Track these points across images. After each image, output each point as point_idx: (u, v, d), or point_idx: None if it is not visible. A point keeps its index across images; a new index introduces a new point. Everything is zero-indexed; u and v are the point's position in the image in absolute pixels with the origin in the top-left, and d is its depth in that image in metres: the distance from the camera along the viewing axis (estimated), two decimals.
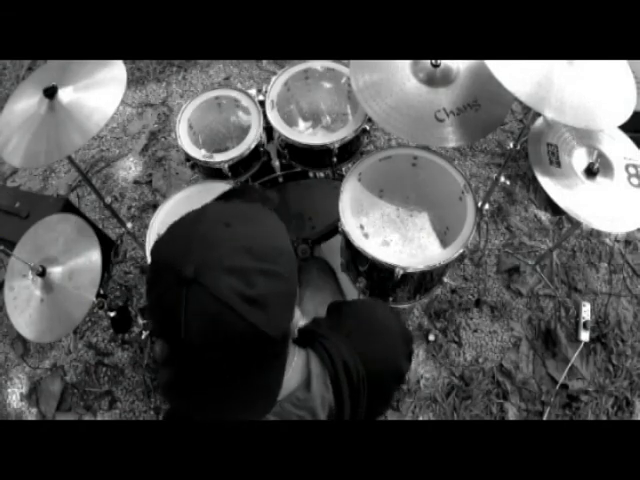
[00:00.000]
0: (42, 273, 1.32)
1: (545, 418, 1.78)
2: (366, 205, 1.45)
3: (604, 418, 1.79)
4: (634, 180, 1.33)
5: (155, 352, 1.74)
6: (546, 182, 1.29)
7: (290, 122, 1.52)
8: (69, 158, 1.32)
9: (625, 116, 1.11)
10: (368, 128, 1.46)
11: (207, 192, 1.45)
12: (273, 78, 1.55)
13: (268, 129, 1.53)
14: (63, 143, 1.19)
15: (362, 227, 1.41)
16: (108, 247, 2.05)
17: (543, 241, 2.13)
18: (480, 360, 1.90)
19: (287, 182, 1.77)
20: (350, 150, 1.53)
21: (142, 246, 1.45)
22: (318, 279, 1.44)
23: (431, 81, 1.23)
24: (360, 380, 0.70)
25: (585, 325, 1.88)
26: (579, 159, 1.34)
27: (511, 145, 1.38)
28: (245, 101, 1.55)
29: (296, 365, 0.71)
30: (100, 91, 1.23)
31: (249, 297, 0.54)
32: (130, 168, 2.49)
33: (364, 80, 1.23)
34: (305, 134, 1.61)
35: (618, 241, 2.13)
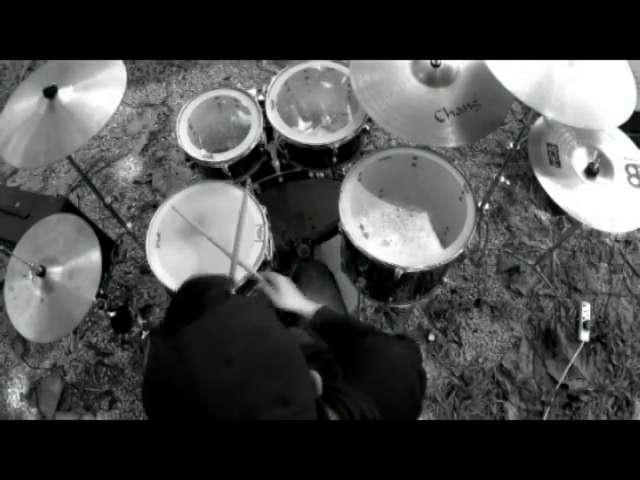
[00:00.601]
0: (42, 273, 1.32)
1: (545, 418, 1.78)
2: (366, 205, 1.45)
3: (604, 418, 1.79)
4: (634, 180, 1.33)
5: None
6: (546, 182, 1.30)
7: (290, 122, 1.52)
8: (69, 158, 1.32)
9: (625, 116, 1.11)
10: (368, 128, 1.46)
11: (207, 192, 1.45)
12: (273, 78, 1.55)
13: (268, 129, 1.53)
14: (63, 143, 1.19)
15: (362, 227, 1.41)
16: (108, 247, 2.05)
17: (543, 241, 2.13)
18: (480, 360, 1.90)
19: (287, 182, 1.77)
20: (350, 150, 1.53)
21: (142, 246, 1.45)
22: (317, 282, 1.44)
23: (431, 81, 1.23)
24: None
25: (585, 325, 1.88)
26: (579, 159, 1.34)
27: (511, 145, 1.39)
28: (245, 101, 1.55)
29: None
30: (100, 91, 1.23)
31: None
32: (130, 168, 2.49)
33: (364, 80, 1.23)
34: (305, 134, 1.62)
35: (618, 241, 2.13)
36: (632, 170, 1.34)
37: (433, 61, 1.23)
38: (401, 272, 1.23)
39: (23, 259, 1.33)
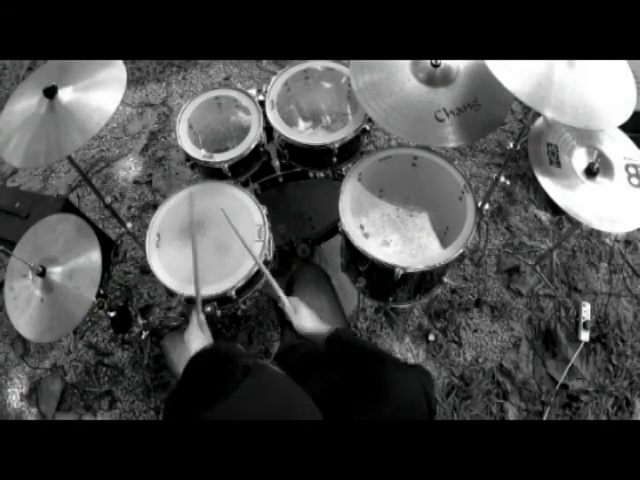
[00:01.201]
0: (42, 273, 1.32)
1: (545, 418, 1.78)
2: (366, 205, 1.45)
3: (604, 418, 1.79)
4: (634, 180, 1.33)
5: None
6: (546, 182, 1.29)
7: (290, 122, 1.52)
8: (69, 158, 1.32)
9: (625, 116, 1.11)
10: (368, 128, 1.46)
11: (207, 192, 1.45)
12: (273, 78, 1.55)
13: (268, 129, 1.53)
14: (63, 143, 1.19)
15: (362, 227, 1.41)
16: (108, 247, 2.05)
17: (543, 241, 2.13)
18: (480, 360, 1.90)
19: (287, 182, 1.77)
20: (350, 150, 1.53)
21: (142, 246, 1.45)
22: (314, 286, 1.44)
23: (431, 81, 1.23)
24: None
25: (585, 325, 1.88)
26: (579, 159, 1.34)
27: (511, 145, 1.38)
28: (245, 101, 1.55)
29: None
30: (100, 91, 1.23)
31: None
32: (130, 168, 2.49)
33: (364, 80, 1.23)
34: (305, 134, 1.61)
35: (618, 241, 2.13)
36: (632, 170, 1.34)
37: (433, 61, 1.23)
38: (401, 272, 1.23)
39: (23, 259, 1.33)
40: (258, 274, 1.35)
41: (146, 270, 2.11)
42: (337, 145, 1.42)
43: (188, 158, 1.50)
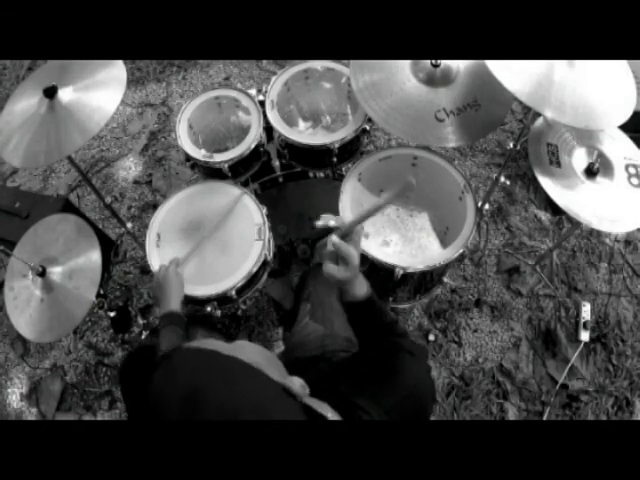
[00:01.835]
0: (42, 273, 1.32)
1: (545, 418, 1.78)
2: (366, 205, 1.44)
3: (604, 418, 1.79)
4: (634, 180, 1.33)
5: None
6: (546, 182, 1.30)
7: (290, 122, 1.52)
8: (69, 158, 1.32)
9: (625, 116, 1.11)
10: (368, 128, 1.46)
11: (207, 192, 1.45)
12: (273, 78, 1.55)
13: (268, 129, 1.53)
14: (63, 143, 1.19)
15: (362, 227, 1.41)
16: (108, 247, 2.05)
17: (543, 241, 2.13)
18: (480, 360, 1.90)
19: (287, 182, 1.77)
20: (350, 150, 1.53)
21: (142, 246, 1.45)
22: (326, 284, 1.44)
23: (431, 81, 1.24)
24: None
25: (585, 325, 1.87)
26: (579, 159, 1.34)
27: (511, 145, 1.38)
28: (245, 101, 1.55)
29: None
30: (100, 91, 1.23)
31: None
32: (130, 168, 2.49)
33: (364, 80, 1.23)
34: (305, 134, 1.62)
35: (618, 241, 2.13)
36: (632, 170, 1.34)
37: (433, 61, 1.23)
38: (401, 272, 1.23)
39: (23, 259, 1.33)
40: (258, 274, 1.35)
41: (146, 270, 2.11)
42: (337, 145, 1.42)
43: (188, 158, 1.50)
